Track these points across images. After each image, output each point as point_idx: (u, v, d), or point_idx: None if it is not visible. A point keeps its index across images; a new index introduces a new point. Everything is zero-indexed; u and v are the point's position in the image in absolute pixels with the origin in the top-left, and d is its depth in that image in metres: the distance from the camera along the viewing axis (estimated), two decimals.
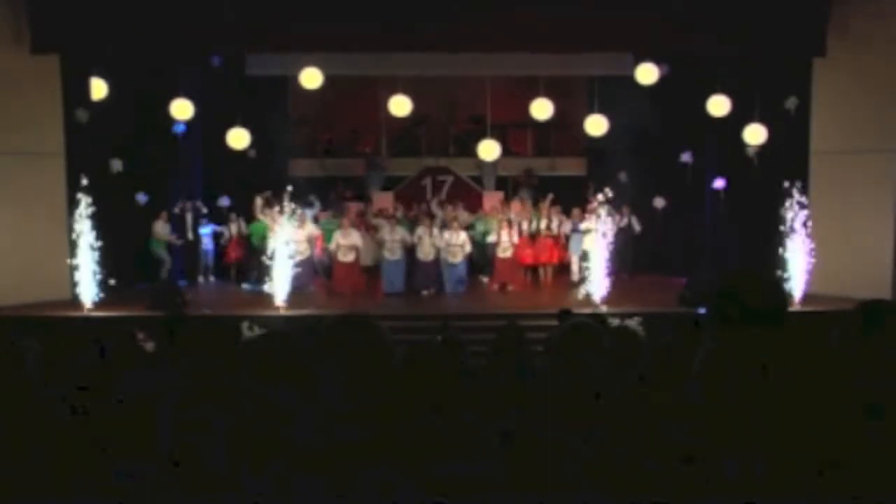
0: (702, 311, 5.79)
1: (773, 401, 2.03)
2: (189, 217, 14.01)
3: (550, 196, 14.48)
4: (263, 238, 12.70)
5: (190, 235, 14.08)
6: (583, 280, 12.33)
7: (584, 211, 13.65)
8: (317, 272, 13.61)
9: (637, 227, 14.22)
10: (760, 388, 2.04)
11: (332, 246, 13.13)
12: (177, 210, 14.00)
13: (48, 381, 3.21)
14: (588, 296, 11.79)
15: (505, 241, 13.41)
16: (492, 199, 15.41)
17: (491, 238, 13.71)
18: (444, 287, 13.01)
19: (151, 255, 13.70)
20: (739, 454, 1.99)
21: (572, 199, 14.59)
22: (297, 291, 11.85)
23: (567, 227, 14.11)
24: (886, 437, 2.06)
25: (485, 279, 14.01)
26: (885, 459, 2.01)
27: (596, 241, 11.91)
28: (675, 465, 2.10)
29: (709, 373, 2.16)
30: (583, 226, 13.38)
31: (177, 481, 2.32)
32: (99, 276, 11.66)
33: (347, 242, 13.02)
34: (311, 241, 13.12)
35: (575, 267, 13.79)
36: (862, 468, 1.99)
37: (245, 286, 13.87)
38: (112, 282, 11.75)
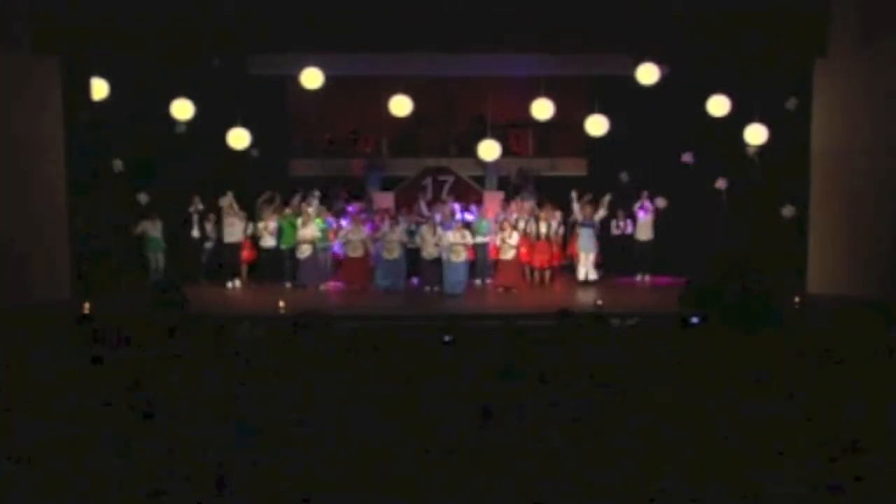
0: (695, 318, 5.80)
1: (772, 399, 2.03)
2: (196, 217, 13.86)
3: (546, 204, 14.52)
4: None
5: (196, 234, 13.88)
6: (588, 280, 12.36)
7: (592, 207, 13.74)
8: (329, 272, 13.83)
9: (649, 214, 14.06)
10: (758, 386, 2.04)
11: (342, 241, 13.57)
12: (192, 209, 13.77)
13: None
14: (589, 295, 11.80)
15: (508, 243, 13.38)
16: (492, 199, 15.37)
17: (485, 239, 13.72)
18: (443, 286, 13.01)
19: (146, 256, 13.51)
20: (737, 450, 2.00)
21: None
22: (305, 287, 12.49)
23: (560, 229, 14.08)
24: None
25: (478, 281, 13.94)
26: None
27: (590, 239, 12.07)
28: (673, 462, 2.10)
29: (707, 372, 2.17)
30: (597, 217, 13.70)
31: None
32: (99, 276, 11.63)
33: (357, 238, 13.21)
34: (314, 239, 13.37)
35: (581, 265, 13.75)
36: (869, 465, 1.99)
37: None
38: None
